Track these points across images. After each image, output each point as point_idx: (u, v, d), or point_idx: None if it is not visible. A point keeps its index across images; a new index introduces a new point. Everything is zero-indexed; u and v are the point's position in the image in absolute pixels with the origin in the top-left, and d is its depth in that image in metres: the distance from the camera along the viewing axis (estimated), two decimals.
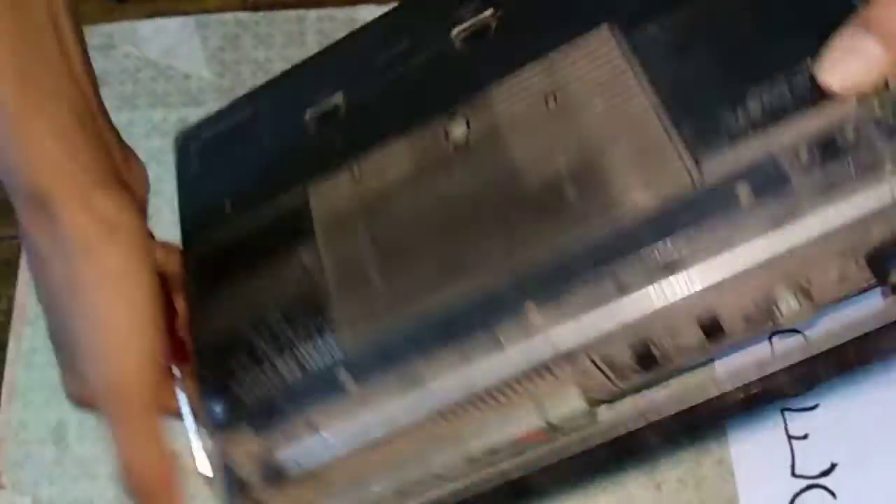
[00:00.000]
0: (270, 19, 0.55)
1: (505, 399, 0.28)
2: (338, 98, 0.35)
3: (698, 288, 0.25)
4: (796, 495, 0.39)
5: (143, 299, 0.29)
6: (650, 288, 0.25)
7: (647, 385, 0.30)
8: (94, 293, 0.28)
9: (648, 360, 0.27)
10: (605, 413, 0.29)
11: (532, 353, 0.27)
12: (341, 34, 0.54)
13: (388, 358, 0.29)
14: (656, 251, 0.25)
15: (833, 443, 0.40)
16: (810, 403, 0.41)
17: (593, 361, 0.28)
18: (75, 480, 0.42)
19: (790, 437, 0.40)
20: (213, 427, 0.31)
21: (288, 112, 0.37)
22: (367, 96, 0.35)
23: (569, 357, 0.27)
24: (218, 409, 0.31)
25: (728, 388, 0.28)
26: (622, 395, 0.30)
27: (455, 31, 0.34)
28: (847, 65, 0.24)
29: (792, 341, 0.28)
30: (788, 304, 0.25)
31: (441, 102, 0.33)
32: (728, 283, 0.25)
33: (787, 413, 0.41)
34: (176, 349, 0.33)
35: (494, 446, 0.29)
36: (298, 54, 0.53)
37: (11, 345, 0.46)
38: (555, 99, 0.30)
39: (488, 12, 0.33)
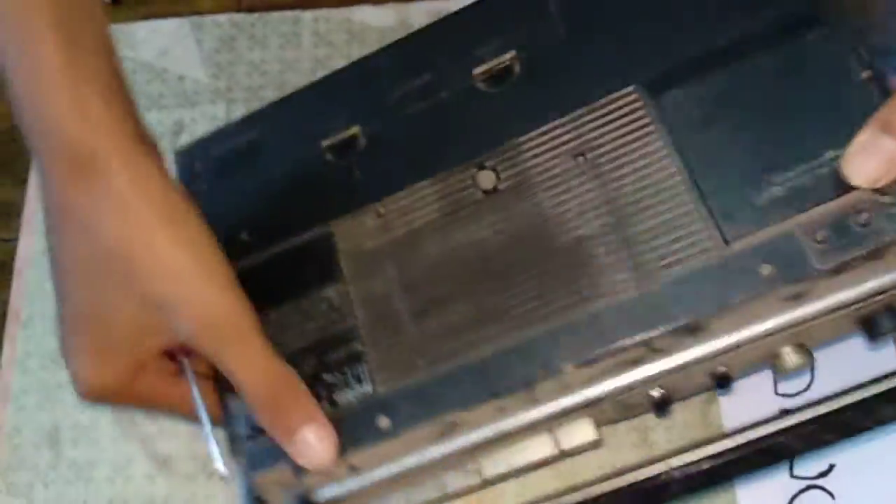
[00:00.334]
0: (265, 21, 0.55)
1: (527, 435, 0.30)
2: (355, 129, 0.36)
3: (717, 350, 0.28)
4: (795, 496, 0.39)
5: (212, 238, 0.30)
6: (677, 350, 0.28)
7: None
8: (170, 243, 0.28)
9: (664, 406, 0.29)
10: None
11: (564, 404, 0.29)
12: (337, 35, 0.55)
13: (428, 407, 0.30)
14: (684, 318, 0.28)
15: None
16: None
17: (613, 405, 0.30)
18: (70, 483, 0.42)
19: None
20: (249, 465, 0.31)
21: (300, 139, 0.37)
22: (387, 130, 0.35)
23: (595, 404, 0.29)
24: (255, 447, 0.31)
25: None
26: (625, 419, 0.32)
27: (477, 71, 0.34)
28: (867, 162, 0.26)
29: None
30: (789, 358, 0.28)
31: (468, 146, 0.33)
32: (743, 346, 0.28)
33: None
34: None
35: (509, 471, 0.30)
36: (294, 55, 0.53)
37: (5, 348, 0.46)
38: (584, 156, 0.31)
39: (510, 54, 0.34)
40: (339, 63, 0.53)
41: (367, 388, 0.31)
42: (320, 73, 0.52)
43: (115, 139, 0.28)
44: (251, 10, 0.56)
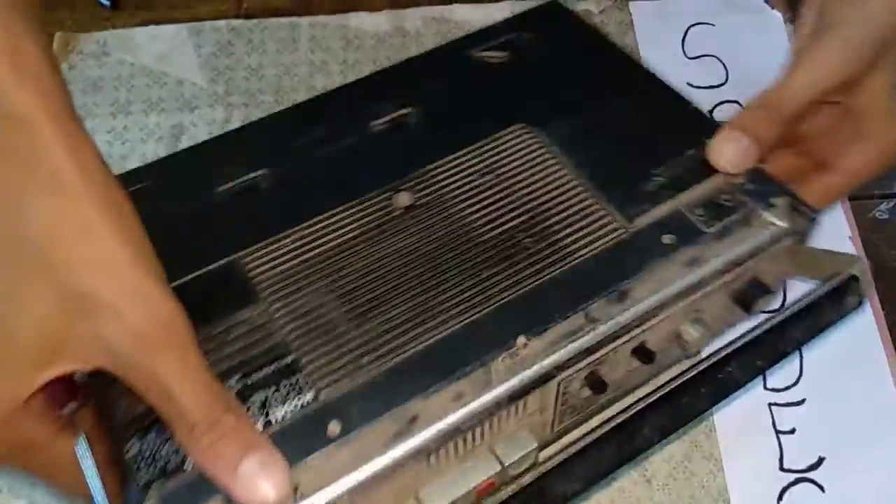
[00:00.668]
0: (263, 26, 0.56)
1: (470, 448, 0.30)
2: (255, 174, 0.37)
3: (640, 315, 0.31)
4: (785, 489, 0.40)
5: (148, 238, 0.25)
6: (609, 319, 0.31)
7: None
8: (109, 232, 0.24)
9: (601, 386, 0.32)
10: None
11: (518, 381, 0.30)
12: (333, 41, 0.55)
13: (383, 401, 0.29)
14: (612, 286, 0.32)
15: (820, 437, 0.41)
16: (797, 398, 0.42)
17: (557, 393, 0.31)
18: None
19: (778, 432, 0.41)
20: None
21: (196, 185, 0.37)
22: (292, 172, 0.37)
23: (544, 384, 0.30)
24: (173, 491, 0.27)
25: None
26: (560, 436, 0.35)
27: (375, 123, 0.38)
28: (728, 151, 0.34)
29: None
30: (691, 333, 0.33)
31: (379, 177, 0.36)
32: (659, 312, 0.32)
33: (774, 408, 0.42)
34: (68, 385, 0.28)
35: (453, 501, 0.30)
36: (291, 60, 0.54)
37: None
38: (490, 174, 0.36)
39: (405, 110, 0.39)
40: (335, 68, 0.54)
41: (308, 396, 0.29)
42: (317, 78, 0.53)
43: (52, 105, 0.24)
44: (249, 16, 0.57)
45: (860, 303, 0.32)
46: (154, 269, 0.25)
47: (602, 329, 0.31)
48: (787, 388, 0.42)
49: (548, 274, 0.32)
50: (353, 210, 0.35)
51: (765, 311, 0.41)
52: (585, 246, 0.33)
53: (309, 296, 0.32)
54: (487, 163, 0.36)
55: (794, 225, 0.33)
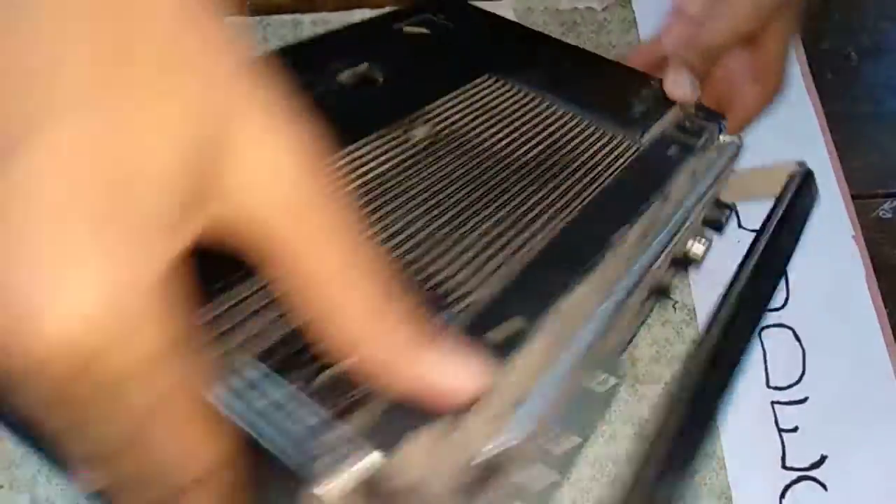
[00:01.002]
0: (266, 23, 0.56)
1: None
2: None
3: (688, 210, 0.35)
4: (787, 487, 0.40)
5: None
6: (669, 219, 0.34)
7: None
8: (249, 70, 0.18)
9: (665, 292, 0.37)
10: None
11: (630, 280, 0.32)
12: None
13: (537, 303, 0.26)
14: (658, 187, 0.34)
15: (823, 435, 0.41)
16: (799, 396, 0.42)
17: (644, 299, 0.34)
18: None
19: (780, 430, 0.41)
20: (380, 441, 0.21)
21: None
22: None
23: (643, 278, 0.32)
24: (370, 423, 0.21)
25: None
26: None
27: (342, 76, 0.37)
28: (685, 85, 0.40)
29: None
30: (696, 247, 0.38)
31: (374, 121, 0.34)
32: (693, 211, 0.35)
33: (776, 406, 0.42)
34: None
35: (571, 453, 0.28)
36: None
37: None
38: (487, 114, 0.36)
39: (364, 65, 0.38)
40: None
41: (446, 313, 0.25)
42: None
43: None
44: (253, 12, 0.57)
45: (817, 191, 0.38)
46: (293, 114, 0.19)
47: (665, 228, 0.33)
48: (790, 386, 0.42)
49: (595, 187, 0.33)
50: (372, 145, 0.33)
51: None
52: (614, 161, 0.35)
53: (377, 222, 0.29)
54: (478, 104, 0.37)
55: (738, 144, 0.39)
